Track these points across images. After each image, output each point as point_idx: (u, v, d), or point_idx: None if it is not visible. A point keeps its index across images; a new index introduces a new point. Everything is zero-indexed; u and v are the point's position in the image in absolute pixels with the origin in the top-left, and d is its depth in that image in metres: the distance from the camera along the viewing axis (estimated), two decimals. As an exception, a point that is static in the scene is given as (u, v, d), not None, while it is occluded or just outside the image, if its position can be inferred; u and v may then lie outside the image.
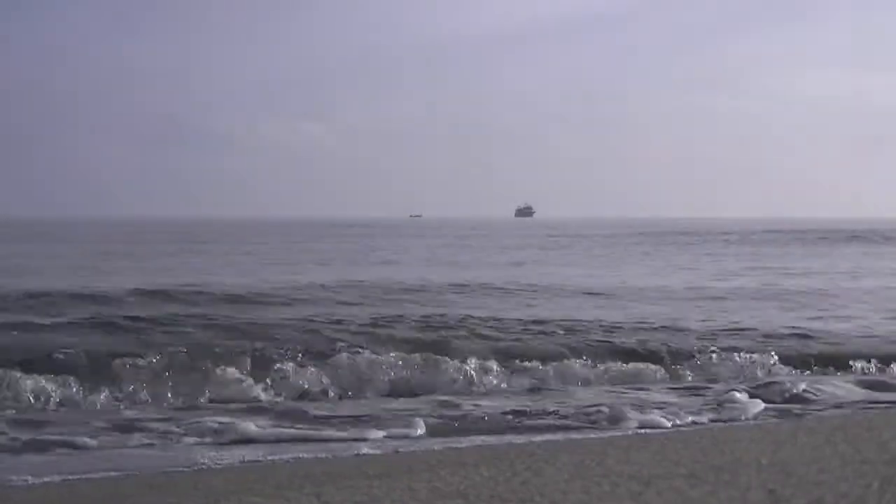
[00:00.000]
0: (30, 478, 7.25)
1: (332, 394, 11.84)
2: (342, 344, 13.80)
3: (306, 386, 11.97)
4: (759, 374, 13.58)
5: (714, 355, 14.11)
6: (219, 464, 7.79)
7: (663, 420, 9.54)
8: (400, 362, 12.80)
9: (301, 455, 8.12)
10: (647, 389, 12.17)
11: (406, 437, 9.02)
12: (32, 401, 10.75)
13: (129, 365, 12.12)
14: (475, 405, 10.84)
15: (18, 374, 11.18)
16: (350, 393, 11.90)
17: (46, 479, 7.19)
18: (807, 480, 4.74)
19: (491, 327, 16.08)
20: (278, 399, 11.43)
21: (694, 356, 14.12)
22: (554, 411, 10.27)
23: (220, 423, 9.17)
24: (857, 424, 6.68)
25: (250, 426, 9.07)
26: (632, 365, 13.65)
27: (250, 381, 11.85)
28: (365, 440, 8.79)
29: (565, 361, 13.49)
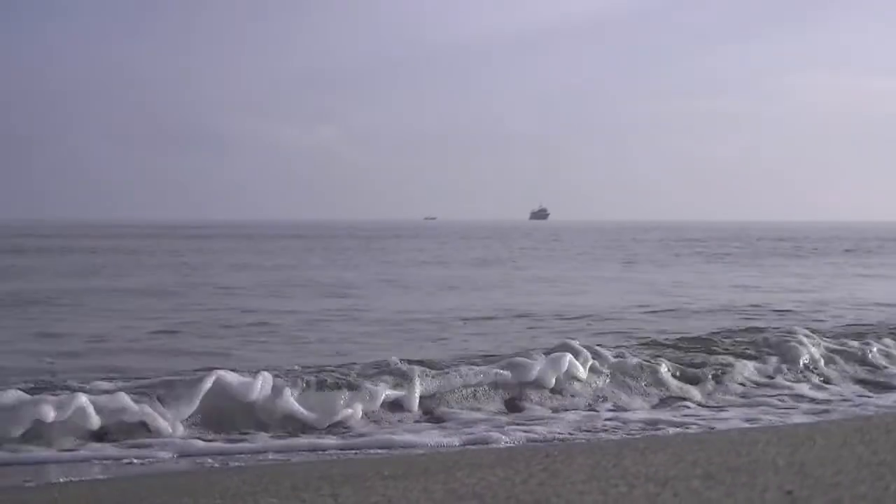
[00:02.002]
0: (51, 479, 7.28)
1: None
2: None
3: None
4: None
5: None
6: (235, 464, 7.80)
7: None
8: None
9: (318, 455, 8.13)
10: None
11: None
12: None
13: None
14: None
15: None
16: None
17: (64, 480, 7.22)
18: (824, 482, 4.72)
19: None
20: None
21: None
22: None
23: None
24: (874, 427, 6.66)
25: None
26: None
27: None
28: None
29: None
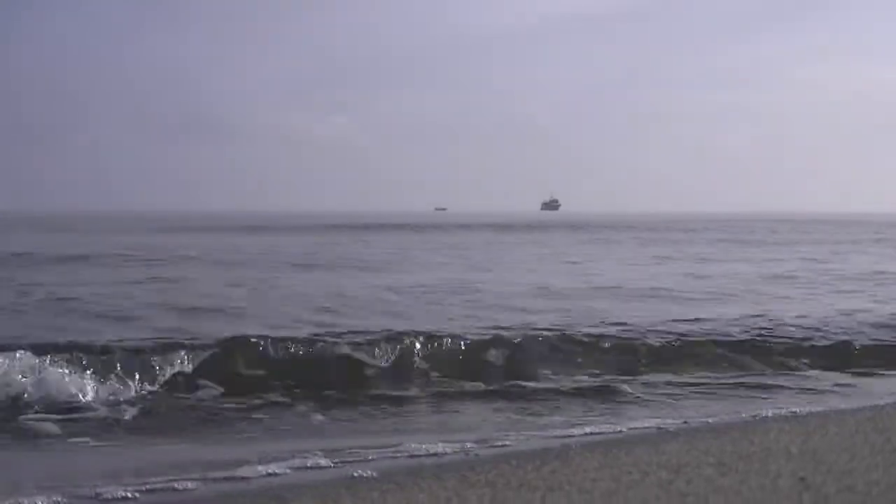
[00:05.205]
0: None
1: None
2: None
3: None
4: None
5: None
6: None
7: None
8: None
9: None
10: None
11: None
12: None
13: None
14: None
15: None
16: None
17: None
18: (837, 468, 4.73)
19: None
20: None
21: None
22: None
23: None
24: (887, 415, 6.66)
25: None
26: None
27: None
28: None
29: None
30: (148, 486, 5.37)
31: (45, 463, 6.68)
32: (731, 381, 9.52)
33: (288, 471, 5.88)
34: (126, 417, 7.96)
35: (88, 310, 14.26)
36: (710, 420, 7.32)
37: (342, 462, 5.90)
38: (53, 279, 19.10)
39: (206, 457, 6.31)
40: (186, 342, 10.40)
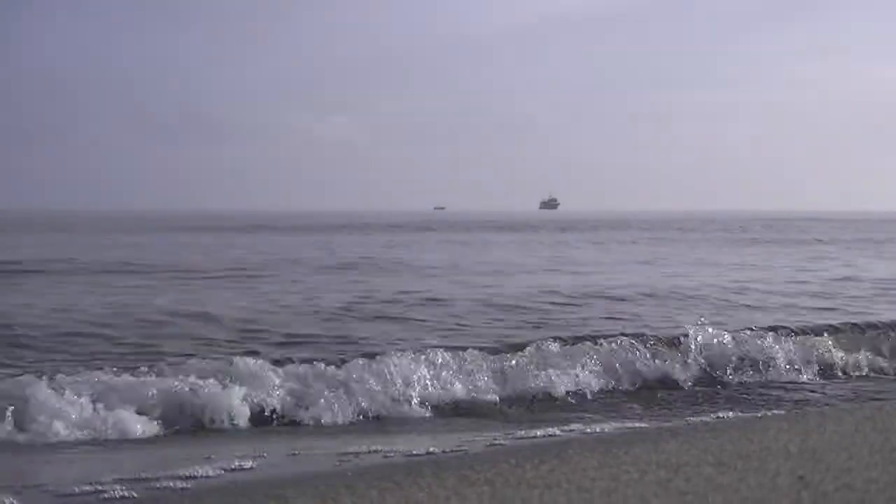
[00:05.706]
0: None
1: None
2: None
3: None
4: None
5: None
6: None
7: None
8: None
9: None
10: None
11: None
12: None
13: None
14: None
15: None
16: None
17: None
18: (836, 467, 4.74)
19: None
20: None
21: None
22: None
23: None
24: (886, 413, 6.67)
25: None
26: None
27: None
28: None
29: None
30: (148, 486, 5.40)
31: (45, 463, 6.70)
32: None
33: (287, 467, 5.91)
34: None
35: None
36: (708, 419, 7.36)
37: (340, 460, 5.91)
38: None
39: (204, 455, 6.33)
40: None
